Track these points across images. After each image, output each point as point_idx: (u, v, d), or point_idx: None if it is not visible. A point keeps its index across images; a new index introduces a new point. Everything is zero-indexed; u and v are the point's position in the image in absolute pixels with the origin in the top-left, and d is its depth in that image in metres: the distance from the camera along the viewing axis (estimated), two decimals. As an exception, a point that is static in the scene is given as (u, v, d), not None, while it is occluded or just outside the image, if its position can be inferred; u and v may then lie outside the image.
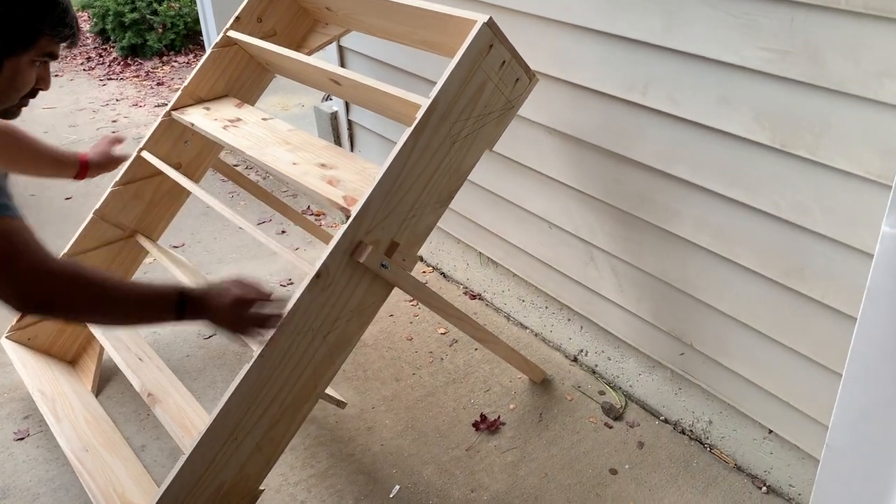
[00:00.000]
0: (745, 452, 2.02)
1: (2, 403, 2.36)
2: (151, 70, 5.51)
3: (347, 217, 1.71)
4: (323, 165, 2.03)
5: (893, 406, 1.25)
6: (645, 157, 1.90)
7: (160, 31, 5.66)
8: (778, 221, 1.67)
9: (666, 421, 2.21)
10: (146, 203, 2.51)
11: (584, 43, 1.94)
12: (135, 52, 5.70)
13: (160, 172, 2.42)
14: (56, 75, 5.50)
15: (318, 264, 1.69)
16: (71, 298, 1.41)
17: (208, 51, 2.45)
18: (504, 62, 1.83)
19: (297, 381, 1.77)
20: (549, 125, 2.13)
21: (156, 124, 2.42)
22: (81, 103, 4.91)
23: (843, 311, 1.61)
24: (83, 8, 6.17)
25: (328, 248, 1.70)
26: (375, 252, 1.74)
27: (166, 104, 4.81)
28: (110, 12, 5.57)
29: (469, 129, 1.84)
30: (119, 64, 5.64)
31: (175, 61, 5.68)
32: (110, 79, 5.39)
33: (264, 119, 2.35)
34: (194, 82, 2.45)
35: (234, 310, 1.51)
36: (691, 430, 2.15)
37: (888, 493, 1.30)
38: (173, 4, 5.71)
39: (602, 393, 2.33)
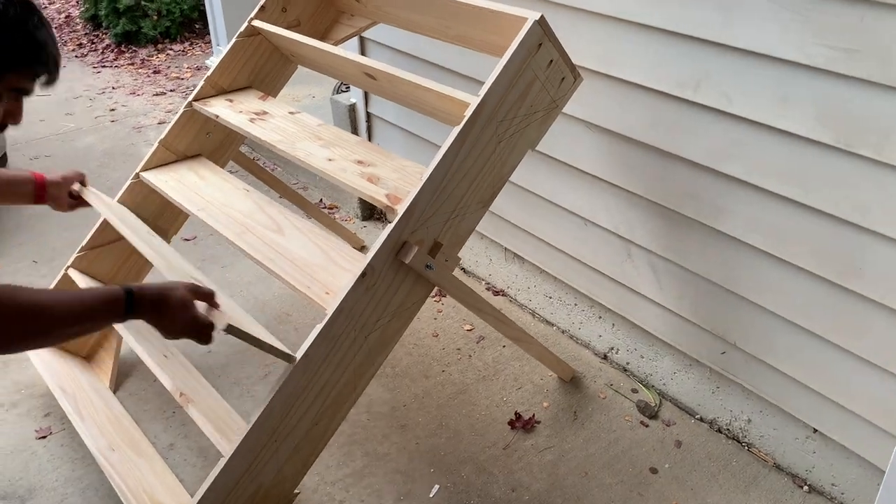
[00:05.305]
0: (785, 451, 2.02)
1: (20, 400, 2.29)
2: (147, 58, 5.40)
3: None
4: (360, 162, 1.99)
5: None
6: (694, 154, 1.88)
7: (155, 18, 5.54)
8: (836, 221, 1.65)
9: (702, 419, 2.20)
10: (164, 196, 2.44)
11: (631, 37, 1.91)
12: (129, 40, 5.58)
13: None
14: (47, 62, 5.37)
15: (363, 264, 1.66)
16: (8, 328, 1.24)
17: (232, 40, 2.39)
18: (552, 61, 1.80)
19: (337, 382, 1.74)
20: (590, 121, 2.10)
21: (178, 115, 2.36)
22: (77, 91, 4.80)
23: (902, 311, 1.61)
24: (74, -7, 6.04)
25: (373, 248, 1.66)
26: (421, 252, 1.71)
27: (164, 93, 4.79)
28: (104, -2, 5.45)
29: (514, 129, 1.81)
30: (112, 51, 5.51)
31: (170, 49, 5.57)
32: (104, 66, 5.27)
33: (291, 112, 2.30)
34: (217, 72, 2.39)
35: (181, 313, 1.43)
36: (728, 429, 2.14)
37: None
38: (169, -9, 5.60)
39: (635, 391, 2.31)
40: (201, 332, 1.46)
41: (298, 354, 1.63)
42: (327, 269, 1.86)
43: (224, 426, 2.05)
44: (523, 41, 1.71)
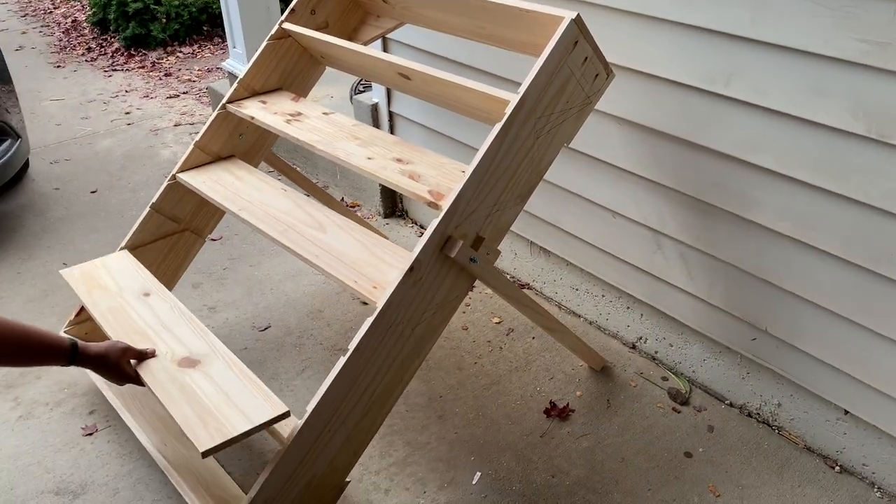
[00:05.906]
0: (815, 434, 2.08)
1: (63, 399, 2.34)
2: (157, 61, 5.44)
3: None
4: (399, 160, 2.04)
5: None
6: (724, 146, 1.93)
7: (164, 21, 5.58)
8: (867, 209, 1.71)
9: (731, 405, 2.26)
10: (200, 197, 2.50)
11: (661, 34, 1.97)
12: (138, 43, 5.62)
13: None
14: (58, 66, 5.41)
15: (409, 258, 1.71)
16: None
17: (263, 43, 2.44)
18: (586, 58, 1.86)
19: (386, 374, 1.79)
20: (620, 115, 2.16)
21: (212, 117, 2.42)
22: (90, 95, 4.84)
23: (934, 294, 1.67)
24: (81, -3, 6.07)
25: (420, 243, 1.72)
26: (465, 246, 1.77)
27: (177, 95, 4.84)
28: (113, 2, 5.48)
29: (551, 125, 1.87)
30: (122, 55, 5.55)
31: (180, 52, 5.61)
32: (115, 70, 5.31)
33: (325, 113, 2.35)
34: (250, 75, 2.44)
35: (115, 371, 1.79)
36: (758, 413, 2.20)
37: None
38: (177, -6, 5.64)
39: (665, 379, 2.37)
40: (135, 382, 1.83)
41: (351, 346, 1.68)
42: (371, 264, 1.91)
43: (276, 419, 2.09)
44: (560, 39, 1.77)
